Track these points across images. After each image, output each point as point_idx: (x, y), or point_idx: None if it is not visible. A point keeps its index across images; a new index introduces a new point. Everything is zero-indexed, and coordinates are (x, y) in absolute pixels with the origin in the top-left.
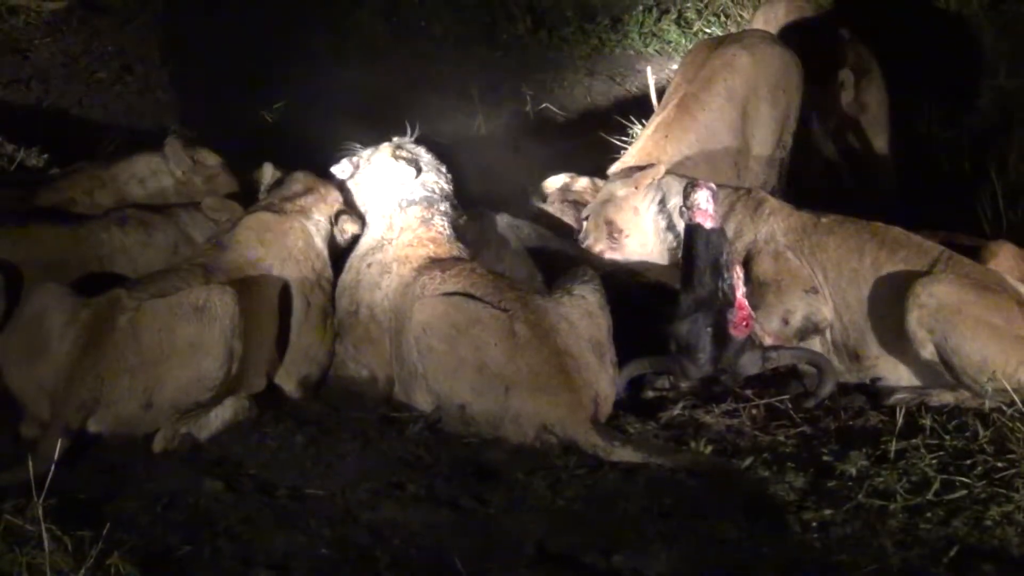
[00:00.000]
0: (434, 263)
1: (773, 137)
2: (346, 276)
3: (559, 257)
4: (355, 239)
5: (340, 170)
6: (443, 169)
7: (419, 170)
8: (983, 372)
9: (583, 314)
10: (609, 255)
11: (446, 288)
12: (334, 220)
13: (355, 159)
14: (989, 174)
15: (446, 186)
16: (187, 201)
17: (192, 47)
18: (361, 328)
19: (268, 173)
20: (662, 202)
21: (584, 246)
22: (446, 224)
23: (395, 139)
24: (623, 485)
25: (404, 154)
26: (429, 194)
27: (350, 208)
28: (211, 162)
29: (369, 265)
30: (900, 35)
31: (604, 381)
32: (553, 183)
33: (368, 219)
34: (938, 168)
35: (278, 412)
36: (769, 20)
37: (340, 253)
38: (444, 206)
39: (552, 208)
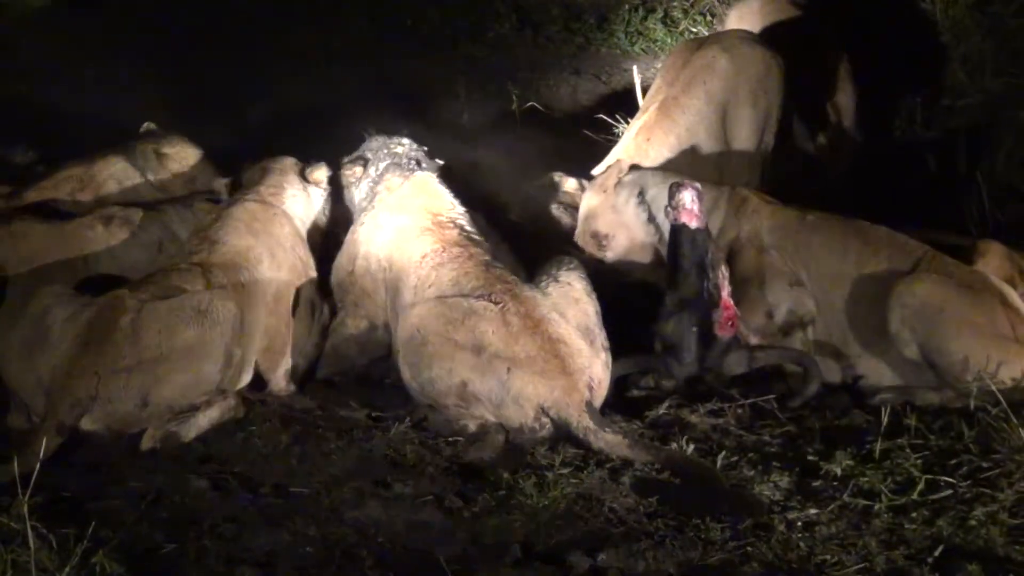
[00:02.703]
0: (433, 222)
1: (754, 137)
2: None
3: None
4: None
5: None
6: (391, 138)
7: (365, 163)
8: (966, 371)
9: (570, 302)
10: (607, 260)
11: (442, 275)
12: (305, 180)
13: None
14: (976, 175)
15: (404, 147)
16: (165, 195)
17: (178, 45)
18: (358, 285)
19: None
20: (641, 195)
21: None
22: (428, 172)
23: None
24: (609, 484)
25: (348, 162)
26: (393, 159)
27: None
28: (189, 157)
29: (361, 223)
30: (886, 36)
31: (597, 366)
32: (569, 184)
33: (353, 205)
34: (925, 169)
35: (264, 410)
36: (743, 16)
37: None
38: (414, 158)
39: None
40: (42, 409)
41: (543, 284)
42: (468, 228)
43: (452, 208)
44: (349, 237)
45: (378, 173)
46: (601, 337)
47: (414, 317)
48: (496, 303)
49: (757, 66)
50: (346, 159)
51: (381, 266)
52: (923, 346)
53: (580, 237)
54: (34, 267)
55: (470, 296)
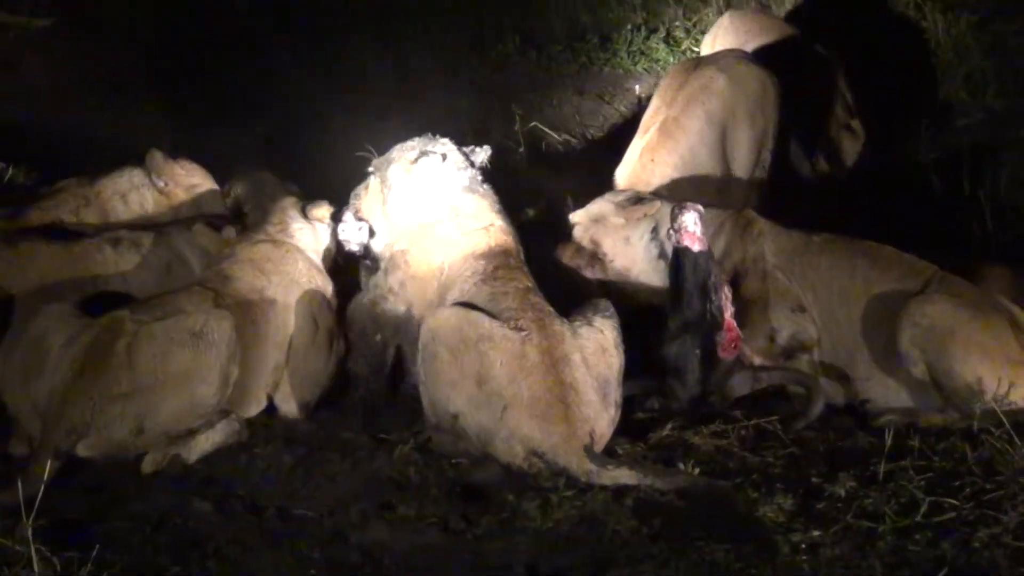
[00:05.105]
0: (502, 252)
1: (752, 157)
2: (400, 232)
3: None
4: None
5: (347, 231)
6: (445, 140)
7: (443, 156)
8: (974, 393)
9: (597, 349)
10: (588, 272)
11: (482, 288)
12: (307, 217)
13: (357, 207)
14: (978, 194)
15: (466, 161)
16: (170, 215)
17: (181, 65)
18: (412, 267)
19: (239, 188)
20: (655, 231)
21: (563, 254)
22: (506, 218)
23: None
24: (612, 507)
25: (415, 155)
26: (469, 173)
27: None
28: (195, 174)
29: (440, 229)
30: (887, 55)
31: (603, 421)
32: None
33: (430, 209)
34: (928, 188)
35: (267, 432)
36: (717, 36)
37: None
38: (494, 196)
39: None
40: (39, 434)
41: (576, 324)
42: (519, 258)
43: (508, 265)
44: (423, 216)
45: (460, 191)
46: (616, 394)
47: (434, 321)
48: (520, 330)
49: (753, 85)
50: (415, 154)
51: (439, 270)
52: (932, 367)
53: (579, 230)
54: (41, 288)
55: (496, 317)
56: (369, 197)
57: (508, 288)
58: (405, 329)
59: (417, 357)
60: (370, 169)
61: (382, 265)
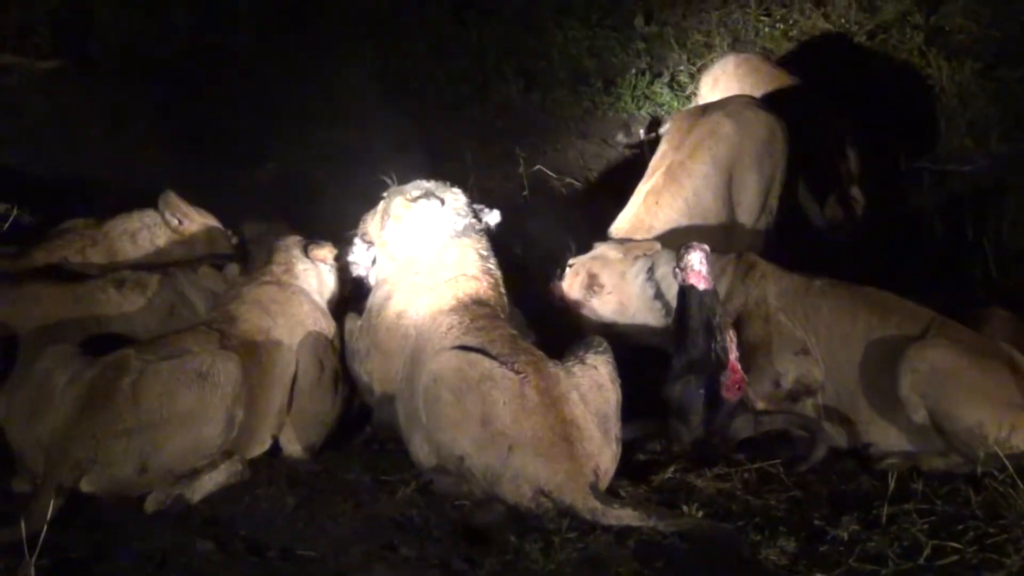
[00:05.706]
0: (473, 303)
1: (759, 202)
2: (390, 265)
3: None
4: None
5: (356, 254)
6: (457, 191)
7: (442, 201)
8: (975, 437)
9: (593, 386)
10: (582, 309)
11: (466, 339)
12: (309, 257)
13: (364, 230)
14: (982, 240)
15: (469, 211)
16: (179, 254)
17: (184, 105)
18: (382, 331)
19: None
20: (650, 271)
21: (557, 290)
22: (497, 268)
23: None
24: (615, 549)
25: (418, 194)
26: (466, 220)
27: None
28: (204, 214)
29: (417, 273)
30: (892, 101)
31: (606, 456)
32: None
33: (418, 248)
34: (931, 234)
35: (270, 473)
36: (718, 79)
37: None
38: (486, 242)
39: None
40: (42, 471)
41: (569, 363)
42: (498, 306)
43: (492, 316)
44: (400, 270)
45: (454, 234)
46: (616, 428)
47: (434, 364)
48: (518, 373)
49: (761, 131)
50: (419, 193)
51: (409, 332)
52: (932, 411)
53: (577, 267)
54: (45, 329)
55: (494, 359)
56: (375, 221)
57: (494, 336)
58: (368, 396)
59: (418, 399)
60: (384, 194)
61: (364, 311)
